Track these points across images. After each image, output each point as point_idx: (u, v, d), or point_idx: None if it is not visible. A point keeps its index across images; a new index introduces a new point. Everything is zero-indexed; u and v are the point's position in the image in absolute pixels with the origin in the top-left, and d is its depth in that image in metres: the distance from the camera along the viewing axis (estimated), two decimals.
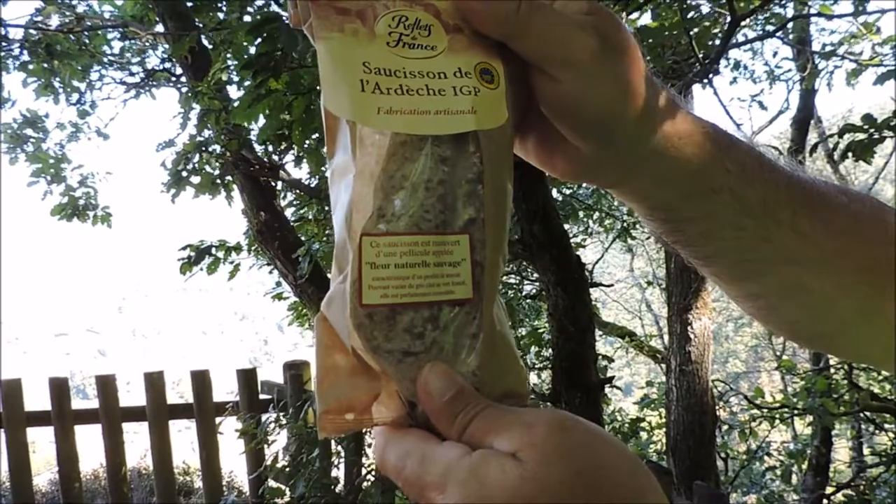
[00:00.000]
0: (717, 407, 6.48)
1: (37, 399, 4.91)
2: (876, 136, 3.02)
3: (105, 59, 7.11)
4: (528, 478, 0.40)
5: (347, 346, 0.47)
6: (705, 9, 4.40)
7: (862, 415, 5.91)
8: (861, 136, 3.07)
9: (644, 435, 7.53)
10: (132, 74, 7.38)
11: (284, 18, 2.36)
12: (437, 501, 0.43)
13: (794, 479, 6.54)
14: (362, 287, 0.46)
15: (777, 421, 6.52)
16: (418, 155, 0.47)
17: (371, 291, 0.46)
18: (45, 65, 6.20)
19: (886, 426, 5.96)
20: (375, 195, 0.46)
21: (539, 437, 0.42)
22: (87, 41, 6.50)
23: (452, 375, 0.47)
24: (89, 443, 5.07)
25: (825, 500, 6.08)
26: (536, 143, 0.62)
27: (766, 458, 6.75)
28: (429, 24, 0.52)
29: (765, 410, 6.40)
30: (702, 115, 0.60)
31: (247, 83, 2.89)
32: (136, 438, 5.84)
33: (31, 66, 6.21)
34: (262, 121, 2.67)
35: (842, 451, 8.57)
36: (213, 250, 5.01)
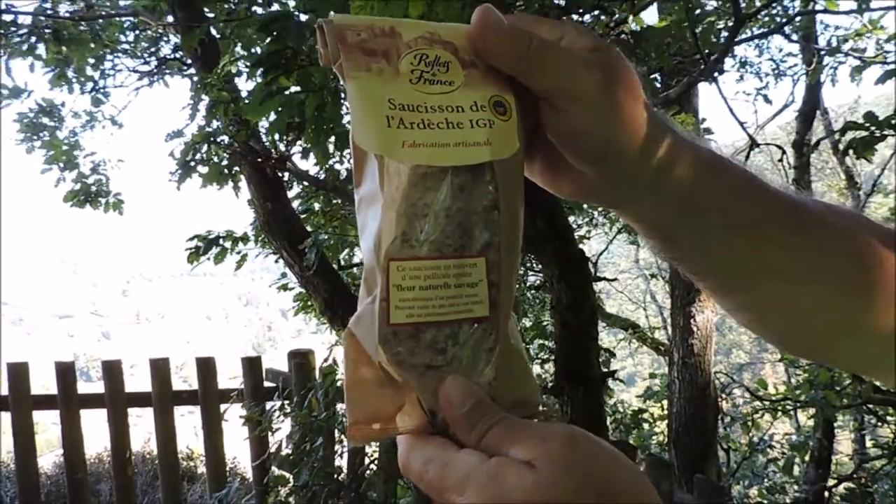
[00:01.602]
0: (719, 399, 6.50)
1: (40, 381, 4.95)
2: (877, 134, 3.04)
3: (118, 48, 7.11)
4: (543, 484, 0.44)
5: (374, 361, 0.51)
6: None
7: (864, 407, 5.91)
8: (863, 133, 3.09)
9: (646, 426, 7.55)
10: (145, 62, 7.38)
11: (294, 16, 2.38)
12: (457, 503, 0.47)
13: (796, 471, 6.53)
14: (390, 308, 0.50)
15: (779, 413, 6.53)
16: (440, 185, 0.51)
17: (398, 311, 0.50)
18: (58, 54, 6.20)
19: (889, 419, 5.95)
20: (398, 221, 0.50)
21: (553, 449, 0.46)
22: (100, 30, 6.49)
23: (471, 387, 0.51)
24: (93, 426, 5.11)
25: (827, 493, 6.09)
26: (542, 167, 0.66)
27: (768, 450, 6.75)
28: (447, 60, 0.56)
29: (767, 402, 6.42)
30: (695, 139, 0.64)
31: (258, 76, 2.90)
32: (140, 422, 5.87)
33: (41, 53, 6.20)
34: (272, 116, 2.70)
35: (844, 444, 8.56)
36: (221, 240, 5.04)
